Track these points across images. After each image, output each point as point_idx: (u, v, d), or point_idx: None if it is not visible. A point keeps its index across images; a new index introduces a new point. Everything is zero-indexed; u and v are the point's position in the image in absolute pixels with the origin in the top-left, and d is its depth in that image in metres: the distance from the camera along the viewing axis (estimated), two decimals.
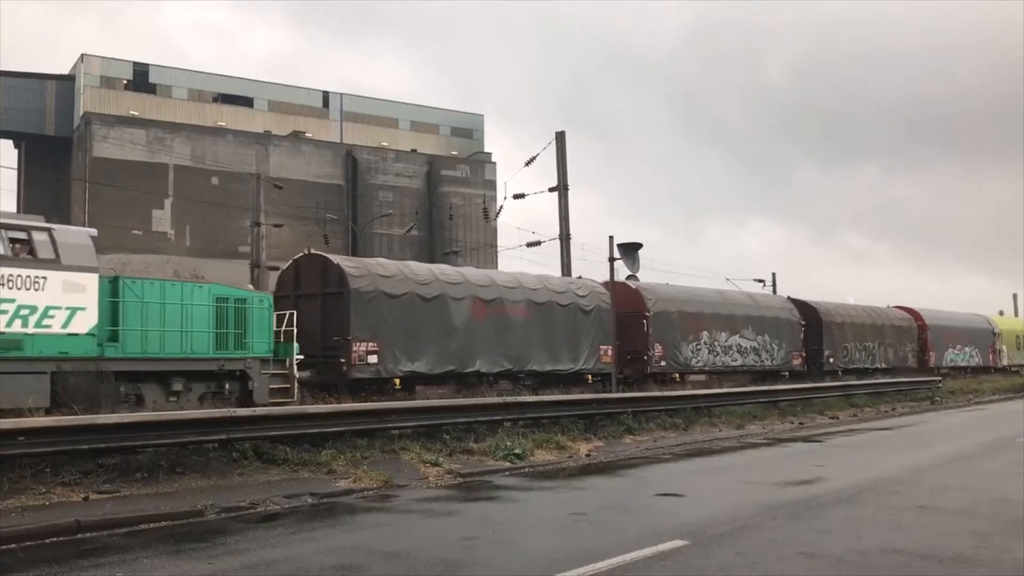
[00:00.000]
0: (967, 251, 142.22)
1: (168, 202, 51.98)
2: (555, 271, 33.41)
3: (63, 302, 14.31)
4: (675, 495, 10.70)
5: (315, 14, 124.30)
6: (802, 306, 34.74)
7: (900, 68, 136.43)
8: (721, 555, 7.15)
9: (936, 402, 30.64)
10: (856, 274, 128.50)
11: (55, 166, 55.96)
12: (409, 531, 8.66)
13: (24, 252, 14.05)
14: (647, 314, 27.53)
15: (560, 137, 36.04)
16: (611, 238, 22.57)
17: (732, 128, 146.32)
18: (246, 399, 16.49)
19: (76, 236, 14.94)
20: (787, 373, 32.62)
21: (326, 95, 63.27)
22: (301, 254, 22.11)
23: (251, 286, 19.00)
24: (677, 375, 28.25)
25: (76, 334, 14.44)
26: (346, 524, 9.05)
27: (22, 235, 14.10)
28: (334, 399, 18.15)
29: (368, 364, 19.77)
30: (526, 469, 13.09)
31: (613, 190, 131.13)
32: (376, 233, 57.48)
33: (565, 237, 35.00)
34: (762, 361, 31.72)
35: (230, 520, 9.03)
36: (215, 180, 53.20)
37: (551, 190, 35.98)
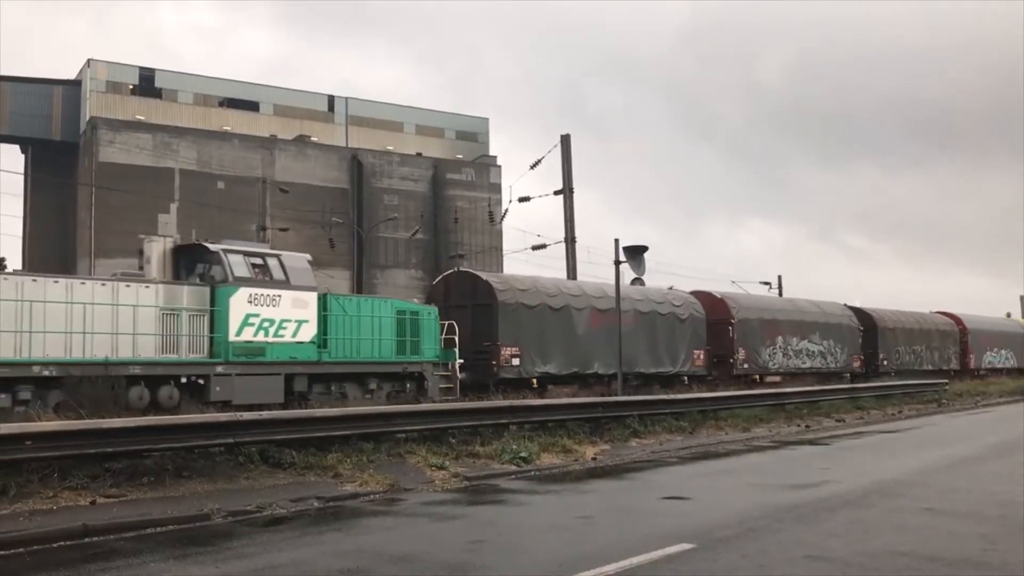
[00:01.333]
0: (968, 252, 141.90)
1: (174, 206, 52.08)
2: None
3: (292, 316, 17.39)
4: (681, 498, 10.69)
5: (307, 15, 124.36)
6: (859, 313, 38.22)
7: (899, 67, 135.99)
8: (727, 558, 7.14)
9: (943, 404, 30.57)
10: (856, 274, 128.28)
11: (62, 171, 56.10)
12: (415, 535, 8.67)
13: (262, 275, 16.94)
14: (732, 321, 30.74)
15: (565, 140, 36.03)
16: (616, 241, 22.50)
17: (733, 128, 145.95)
18: (421, 396, 19.51)
19: (299, 261, 18.06)
20: (848, 375, 35.87)
21: (331, 99, 63.38)
22: (451, 271, 25.85)
23: (416, 299, 22.12)
24: (757, 376, 31.36)
25: (302, 342, 17.48)
26: (352, 528, 9.06)
27: (259, 261, 17.18)
28: (486, 397, 20.77)
29: (512, 366, 23.14)
30: (532, 472, 13.09)
31: (612, 190, 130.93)
32: (381, 236, 57.52)
33: (571, 240, 34.99)
34: (827, 364, 34.86)
35: (236, 524, 9.05)
36: (221, 184, 53.30)
37: (556, 193, 35.95)
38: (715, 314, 30.38)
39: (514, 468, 13.17)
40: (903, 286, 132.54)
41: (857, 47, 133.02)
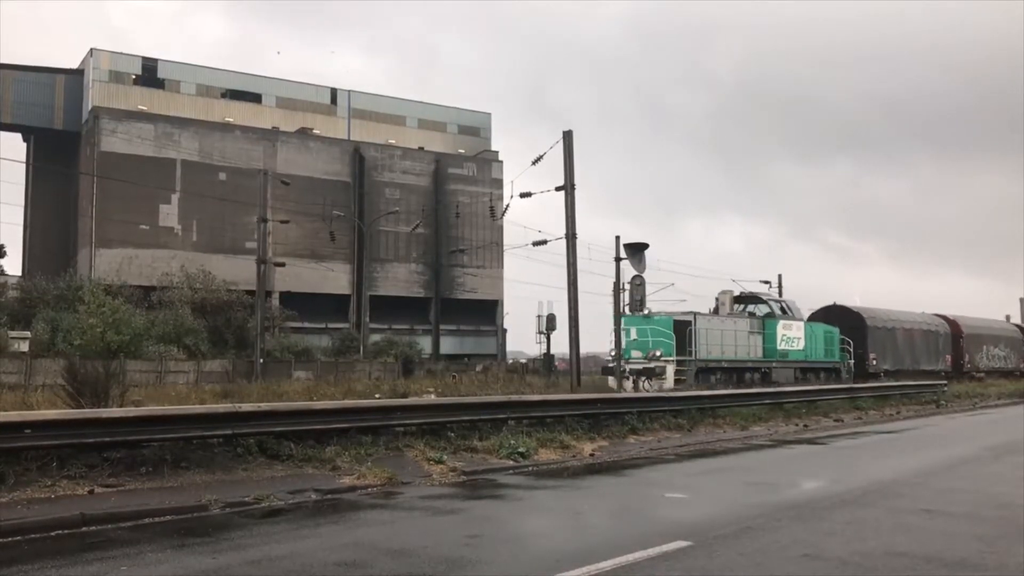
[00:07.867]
0: (955, 252, 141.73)
1: (175, 197, 52.08)
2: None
3: (795, 335, 33.04)
4: (679, 495, 10.69)
5: (264, 6, 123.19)
6: (1019, 328, 56.10)
7: (887, 66, 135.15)
8: (724, 556, 7.14)
9: (941, 406, 30.58)
10: (840, 272, 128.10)
11: (63, 160, 56.10)
12: (413, 528, 8.67)
13: (783, 312, 32.35)
14: (963, 336, 47.74)
15: (567, 136, 35.93)
16: (617, 238, 22.58)
17: (709, 126, 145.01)
18: (837, 381, 33.84)
19: (794, 303, 34.48)
20: (1018, 373, 52.15)
21: (334, 92, 63.31)
22: (830, 304, 41.63)
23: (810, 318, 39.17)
24: (973, 372, 47.10)
25: (799, 350, 32.94)
26: (350, 521, 9.06)
27: (780, 303, 32.56)
28: (860, 381, 34.64)
29: (873, 364, 39.31)
30: (530, 468, 13.10)
31: (596, 189, 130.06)
32: (383, 230, 57.52)
33: (571, 236, 34.90)
34: (1006, 365, 51.82)
35: (234, 515, 9.06)
36: (222, 176, 53.29)
37: (558, 189, 35.83)
38: (952, 331, 46.54)
39: (512, 463, 13.17)
40: (890, 285, 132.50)
41: (845, 44, 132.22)
